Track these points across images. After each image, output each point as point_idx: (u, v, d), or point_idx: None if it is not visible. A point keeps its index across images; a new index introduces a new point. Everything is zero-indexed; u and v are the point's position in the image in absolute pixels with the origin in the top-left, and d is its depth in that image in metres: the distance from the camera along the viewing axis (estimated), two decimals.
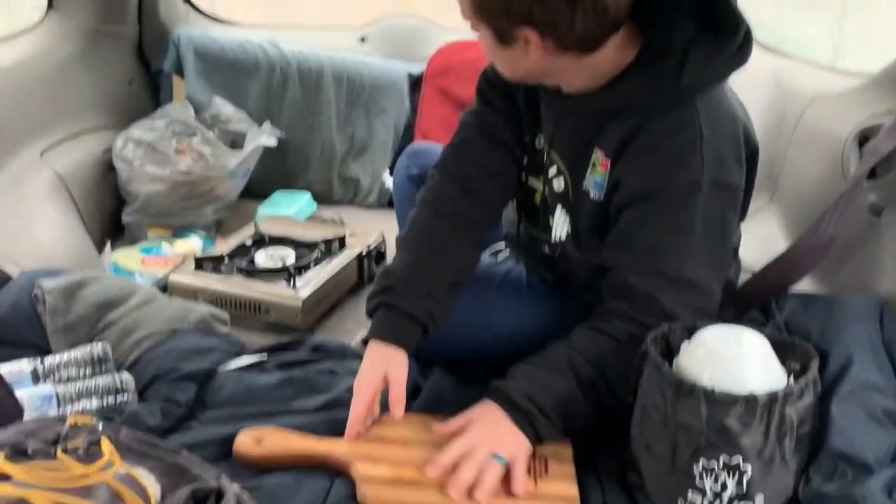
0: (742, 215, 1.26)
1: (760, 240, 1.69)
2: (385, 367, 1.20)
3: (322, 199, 2.61)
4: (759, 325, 1.28)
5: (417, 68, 2.64)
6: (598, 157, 1.20)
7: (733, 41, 1.12)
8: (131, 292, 1.55)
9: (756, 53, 2.05)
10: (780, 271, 1.36)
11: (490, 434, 1.11)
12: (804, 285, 1.38)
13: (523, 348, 1.21)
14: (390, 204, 2.54)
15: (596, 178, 1.21)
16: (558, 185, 1.28)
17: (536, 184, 1.33)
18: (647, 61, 1.13)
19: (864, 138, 1.44)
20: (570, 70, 1.14)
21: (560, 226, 1.30)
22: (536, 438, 1.13)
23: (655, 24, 1.13)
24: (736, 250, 1.36)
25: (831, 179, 1.47)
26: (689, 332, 1.14)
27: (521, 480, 1.09)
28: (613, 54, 1.13)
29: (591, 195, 1.22)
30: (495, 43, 1.12)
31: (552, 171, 1.28)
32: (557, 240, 1.31)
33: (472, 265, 1.33)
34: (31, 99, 2.07)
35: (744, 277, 1.51)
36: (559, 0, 1.03)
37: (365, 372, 1.20)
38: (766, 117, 1.83)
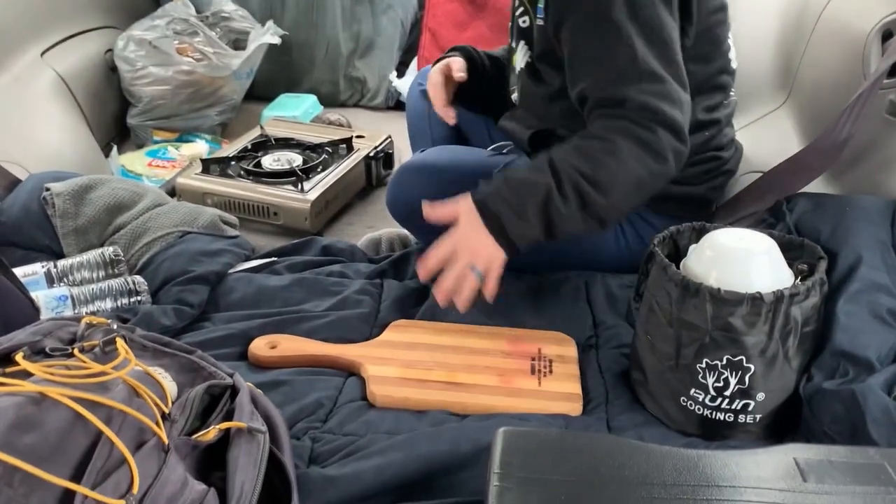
0: (686, 33, 1.21)
1: (775, 140, 1.66)
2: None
3: (328, 100, 2.57)
4: (768, 226, 1.27)
5: None
6: None
7: None
8: (140, 195, 1.55)
9: None
10: (792, 171, 1.35)
11: (468, 242, 1.13)
12: (816, 185, 1.36)
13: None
14: (397, 106, 2.51)
15: (539, 4, 1.24)
16: (523, 21, 1.32)
17: (512, 40, 1.39)
18: None
19: (888, 34, 1.38)
20: None
21: (521, 58, 1.34)
22: (511, 244, 1.13)
23: None
24: (718, 88, 1.33)
25: (851, 77, 1.43)
26: (698, 234, 1.14)
27: (490, 291, 1.14)
28: None
29: (538, 21, 1.25)
30: None
31: (520, 10, 1.32)
32: (519, 71, 1.35)
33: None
34: None
35: (754, 177, 1.50)
36: None
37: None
38: (787, 10, 1.76)
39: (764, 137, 1.68)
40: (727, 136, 1.41)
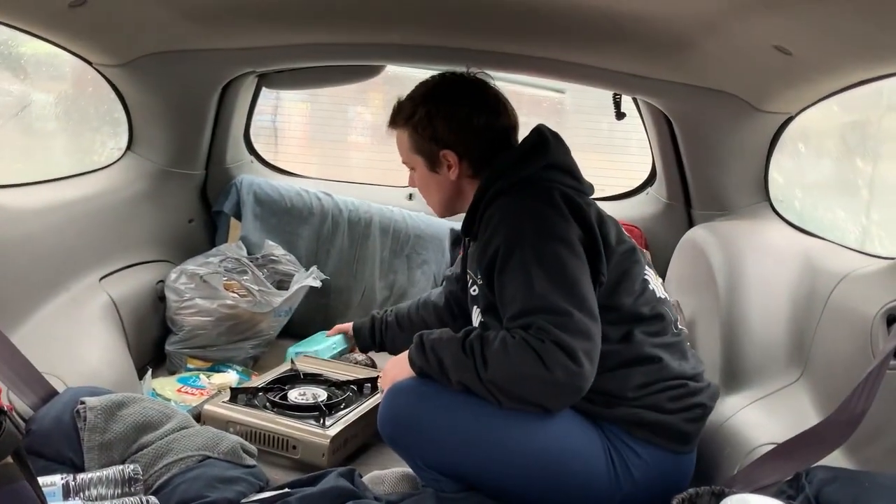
0: (596, 277, 1.47)
1: (790, 413, 1.69)
2: None
3: None
4: (788, 497, 1.26)
5: (459, 225, 2.77)
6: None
7: (518, 148, 1.62)
8: (169, 416, 1.60)
9: (787, 233, 2.15)
10: (809, 444, 1.36)
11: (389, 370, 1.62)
12: (835, 459, 1.36)
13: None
14: None
15: (479, 268, 1.56)
16: (474, 291, 1.64)
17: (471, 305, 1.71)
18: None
19: (891, 318, 1.47)
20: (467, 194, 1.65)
21: (476, 319, 1.66)
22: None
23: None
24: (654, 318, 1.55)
25: (861, 357, 1.49)
26: (717, 498, 1.14)
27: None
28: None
29: (478, 280, 1.58)
30: (427, 172, 1.66)
31: (473, 287, 1.65)
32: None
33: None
34: (98, 229, 2.23)
35: (769, 447, 1.51)
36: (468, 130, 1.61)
37: None
38: (796, 294, 1.87)
39: (779, 410, 1.72)
40: (693, 368, 1.59)
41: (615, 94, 2.25)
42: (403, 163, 1.74)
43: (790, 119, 1.94)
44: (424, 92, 1.67)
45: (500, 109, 1.66)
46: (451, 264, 2.76)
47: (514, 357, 1.36)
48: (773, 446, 1.56)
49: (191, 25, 1.95)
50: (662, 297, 1.60)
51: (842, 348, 1.64)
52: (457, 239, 2.76)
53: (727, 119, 2.03)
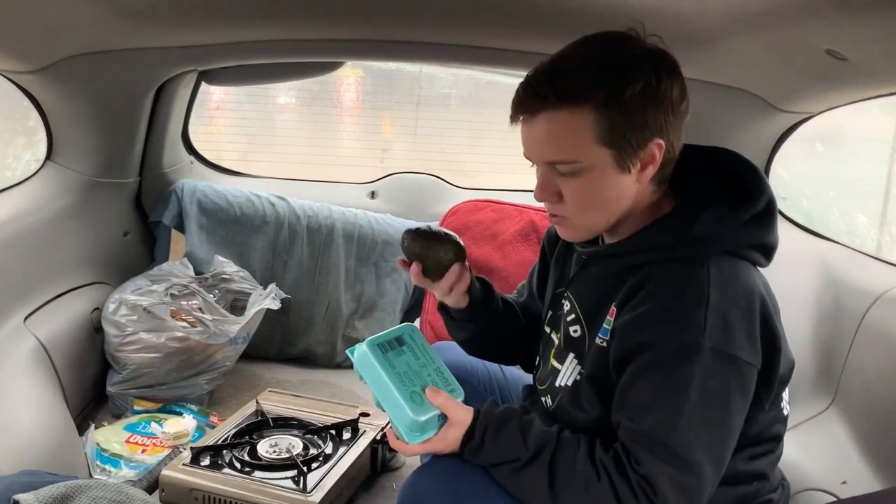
0: (761, 405, 1.12)
1: (826, 447, 1.54)
2: None
3: (323, 361, 2.44)
4: None
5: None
6: (612, 308, 1.16)
7: (753, 205, 1.14)
8: None
9: (794, 235, 1.98)
10: None
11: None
12: None
13: None
14: None
15: (605, 325, 1.17)
16: (574, 331, 1.24)
17: (556, 336, 1.31)
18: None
19: None
20: (634, 213, 1.16)
21: (569, 373, 1.25)
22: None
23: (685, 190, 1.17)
24: (772, 439, 1.21)
25: None
26: None
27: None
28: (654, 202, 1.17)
29: (598, 341, 1.17)
30: (613, 173, 1.10)
31: (571, 317, 1.25)
32: (562, 385, 1.25)
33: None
34: (18, 259, 1.90)
35: (812, 495, 1.36)
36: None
37: None
38: (820, 309, 1.72)
39: (814, 446, 1.57)
40: (776, 479, 1.27)
41: None
42: (555, 163, 1.11)
43: (809, 118, 1.77)
44: (610, 56, 1.08)
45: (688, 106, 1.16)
46: None
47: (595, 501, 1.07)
48: (815, 493, 1.42)
49: (122, 23, 1.62)
50: (788, 413, 1.25)
51: (883, 377, 1.49)
52: None
53: (737, 116, 1.84)
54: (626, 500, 1.04)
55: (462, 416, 1.17)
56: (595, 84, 1.06)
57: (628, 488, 1.04)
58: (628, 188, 1.12)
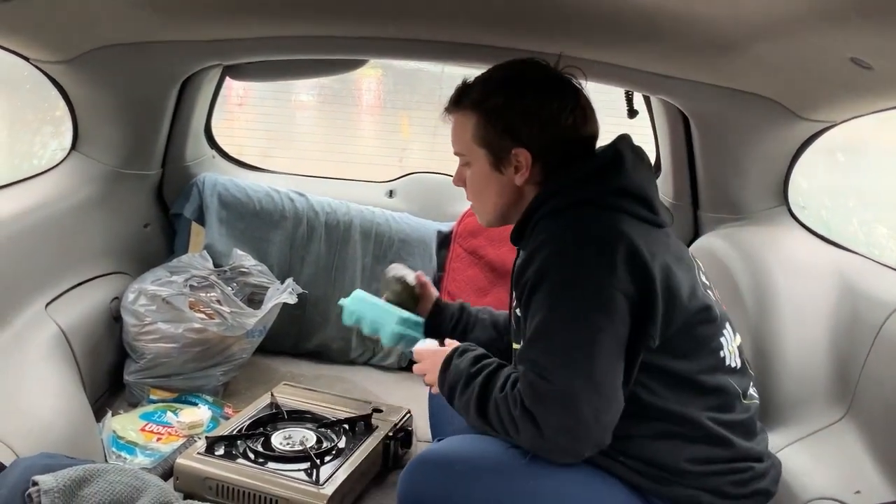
0: (650, 339, 1.24)
1: (838, 458, 1.53)
2: None
3: (338, 357, 2.46)
4: None
5: (446, 226, 2.55)
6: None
7: (590, 162, 1.35)
8: (140, 489, 1.36)
9: (812, 244, 1.98)
10: None
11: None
12: None
13: None
14: (409, 366, 2.39)
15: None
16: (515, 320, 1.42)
17: (516, 346, 1.44)
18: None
19: None
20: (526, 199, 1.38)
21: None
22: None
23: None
24: (717, 389, 1.32)
25: None
26: None
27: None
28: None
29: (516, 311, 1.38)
30: (488, 170, 1.38)
31: (515, 325, 1.42)
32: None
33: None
34: (42, 246, 1.93)
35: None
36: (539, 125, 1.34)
37: None
38: (836, 319, 1.71)
39: (825, 454, 1.56)
40: (760, 445, 1.37)
41: (628, 91, 2.03)
42: (457, 154, 1.44)
43: (831, 127, 1.76)
44: (506, 76, 1.38)
45: (588, 114, 1.38)
46: (439, 269, 2.54)
47: (516, 424, 1.25)
48: (827, 501, 1.41)
49: (152, 16, 1.65)
50: (736, 365, 1.37)
51: None
52: (444, 241, 2.54)
53: (758, 123, 1.84)
54: (512, 406, 1.23)
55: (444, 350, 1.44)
56: (481, 96, 1.36)
57: (512, 399, 1.23)
58: (507, 187, 1.38)
